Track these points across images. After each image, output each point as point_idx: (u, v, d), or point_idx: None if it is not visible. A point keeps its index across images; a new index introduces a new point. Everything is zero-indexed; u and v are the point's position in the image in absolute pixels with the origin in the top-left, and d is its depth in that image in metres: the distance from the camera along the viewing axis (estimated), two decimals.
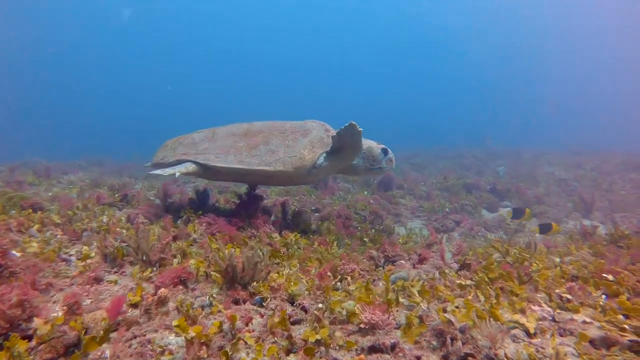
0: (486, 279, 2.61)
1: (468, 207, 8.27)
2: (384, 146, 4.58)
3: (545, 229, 6.07)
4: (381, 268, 3.64)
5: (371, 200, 7.77)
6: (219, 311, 2.21)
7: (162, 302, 2.19)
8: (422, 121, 40.56)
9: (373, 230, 5.29)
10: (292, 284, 2.41)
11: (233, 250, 2.68)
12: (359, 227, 6.15)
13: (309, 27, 58.72)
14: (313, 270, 2.82)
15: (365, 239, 4.47)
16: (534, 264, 3.17)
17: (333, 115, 6.37)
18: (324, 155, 4.14)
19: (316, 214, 6.83)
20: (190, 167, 3.97)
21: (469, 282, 2.56)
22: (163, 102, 48.31)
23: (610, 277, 2.67)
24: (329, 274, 2.63)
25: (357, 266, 2.92)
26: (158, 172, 3.86)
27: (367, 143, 4.46)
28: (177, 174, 3.84)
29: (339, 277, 2.71)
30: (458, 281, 2.56)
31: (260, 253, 2.53)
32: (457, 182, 9.50)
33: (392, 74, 57.23)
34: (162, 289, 2.24)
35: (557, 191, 9.52)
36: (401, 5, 54.40)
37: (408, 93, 54.11)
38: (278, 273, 2.57)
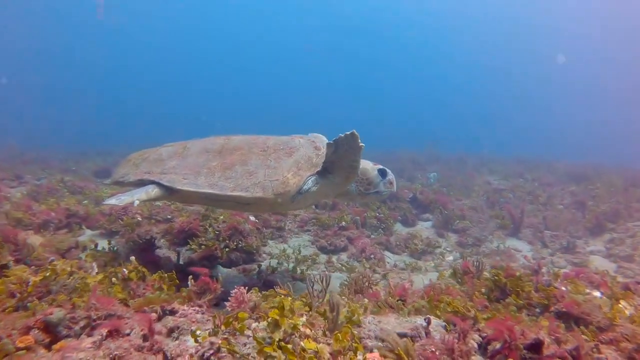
0: None
1: (373, 220, 6.79)
2: (381, 166, 3.78)
3: None
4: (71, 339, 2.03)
5: None
6: None
7: None
8: (386, 121, 40.00)
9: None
10: None
11: None
12: (204, 246, 4.60)
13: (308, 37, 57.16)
14: None
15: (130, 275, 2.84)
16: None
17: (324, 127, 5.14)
18: (313, 178, 3.43)
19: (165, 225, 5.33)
20: (153, 191, 3.26)
21: None
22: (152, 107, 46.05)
23: None
24: None
25: None
26: (113, 201, 3.10)
27: (360, 164, 3.63)
28: (137, 202, 3.10)
29: None
30: None
31: None
32: None
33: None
34: None
35: (486, 204, 8.21)
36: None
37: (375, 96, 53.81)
38: None
